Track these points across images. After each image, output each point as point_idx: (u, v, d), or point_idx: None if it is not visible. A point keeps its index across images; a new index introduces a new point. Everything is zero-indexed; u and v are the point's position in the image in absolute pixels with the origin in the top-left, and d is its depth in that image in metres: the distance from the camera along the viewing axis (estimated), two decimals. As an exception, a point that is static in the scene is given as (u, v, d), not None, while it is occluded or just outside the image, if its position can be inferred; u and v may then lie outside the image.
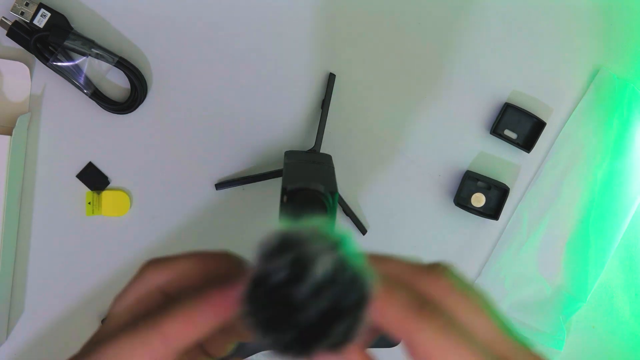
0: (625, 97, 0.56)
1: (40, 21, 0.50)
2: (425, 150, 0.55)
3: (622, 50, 0.55)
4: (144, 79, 0.53)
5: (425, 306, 0.23)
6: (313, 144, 0.52)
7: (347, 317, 0.20)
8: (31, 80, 0.52)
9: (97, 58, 0.51)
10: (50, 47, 0.51)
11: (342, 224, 0.54)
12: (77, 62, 0.52)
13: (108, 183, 0.54)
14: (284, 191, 0.40)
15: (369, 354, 0.23)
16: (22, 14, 0.50)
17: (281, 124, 0.54)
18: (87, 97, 0.52)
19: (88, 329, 0.54)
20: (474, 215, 0.56)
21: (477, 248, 0.57)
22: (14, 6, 0.50)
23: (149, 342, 0.22)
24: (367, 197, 0.55)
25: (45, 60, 0.51)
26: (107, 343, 0.22)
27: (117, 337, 0.22)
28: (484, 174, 0.56)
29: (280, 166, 0.50)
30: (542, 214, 0.57)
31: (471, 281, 0.24)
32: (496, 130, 0.55)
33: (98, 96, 0.52)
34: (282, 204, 0.39)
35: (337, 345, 0.21)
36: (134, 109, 0.53)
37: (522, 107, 0.55)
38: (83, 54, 0.51)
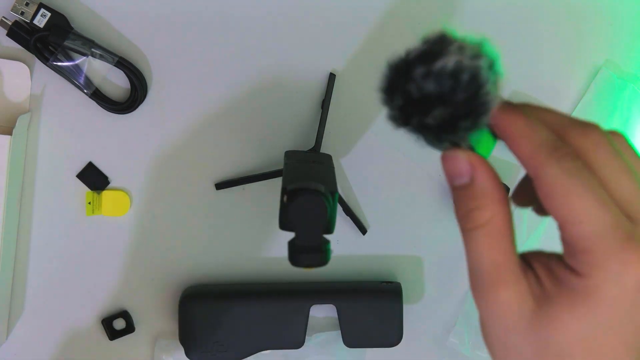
0: (625, 97, 0.56)
1: (41, 21, 0.50)
2: (425, 150, 0.55)
3: (622, 50, 0.55)
4: (144, 79, 0.53)
5: (559, 149, 0.23)
6: (313, 144, 0.52)
7: (472, 116, 0.25)
8: (31, 80, 0.52)
9: (97, 58, 0.51)
10: (50, 47, 0.51)
11: (342, 224, 0.54)
12: (77, 62, 0.52)
13: (108, 183, 0.54)
14: (284, 191, 0.40)
15: (490, 164, 0.27)
16: (22, 13, 0.50)
17: (281, 124, 0.54)
18: (87, 97, 0.52)
19: (88, 329, 0.54)
20: (474, 215, 0.56)
21: (477, 248, 0.57)
22: (14, 6, 0.50)
23: None
24: (367, 197, 0.55)
25: (45, 60, 0.51)
26: None
27: None
28: (484, 174, 0.56)
29: (280, 166, 0.50)
30: (542, 214, 0.57)
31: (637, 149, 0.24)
32: (496, 130, 0.55)
33: (98, 96, 0.52)
34: (282, 203, 0.39)
35: (461, 139, 0.26)
36: (134, 109, 0.53)
37: (522, 107, 0.55)
38: (83, 54, 0.51)
